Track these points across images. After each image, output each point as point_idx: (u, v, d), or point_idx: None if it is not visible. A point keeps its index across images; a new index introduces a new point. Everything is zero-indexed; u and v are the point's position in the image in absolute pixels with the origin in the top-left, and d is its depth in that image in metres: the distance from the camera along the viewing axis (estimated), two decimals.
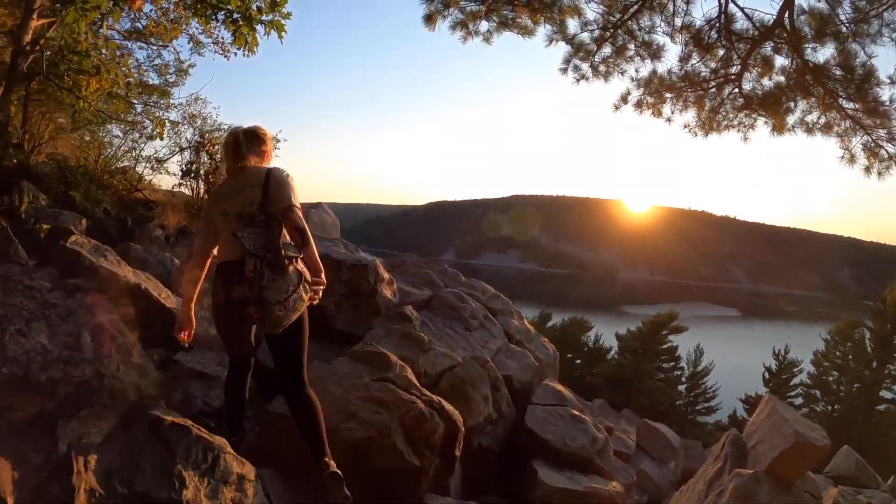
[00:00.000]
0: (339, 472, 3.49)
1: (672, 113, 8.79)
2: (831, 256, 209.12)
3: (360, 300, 7.15)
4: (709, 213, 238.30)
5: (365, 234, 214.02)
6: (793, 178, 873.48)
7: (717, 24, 7.71)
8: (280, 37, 7.31)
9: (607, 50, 8.58)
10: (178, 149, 10.59)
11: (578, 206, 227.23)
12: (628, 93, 8.89)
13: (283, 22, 7.29)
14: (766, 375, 31.79)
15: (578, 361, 34.41)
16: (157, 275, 6.68)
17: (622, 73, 8.74)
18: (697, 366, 33.51)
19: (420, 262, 9.65)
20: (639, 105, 8.85)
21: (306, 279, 3.43)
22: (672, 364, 33.37)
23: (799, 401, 30.63)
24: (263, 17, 7.26)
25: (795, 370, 31.36)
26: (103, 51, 8.73)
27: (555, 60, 8.81)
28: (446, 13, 8.22)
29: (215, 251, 3.76)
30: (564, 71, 8.79)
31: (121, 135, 11.77)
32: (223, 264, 3.59)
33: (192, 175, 9.22)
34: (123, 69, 8.88)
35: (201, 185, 9.69)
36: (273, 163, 3.93)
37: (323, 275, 3.55)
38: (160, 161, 11.28)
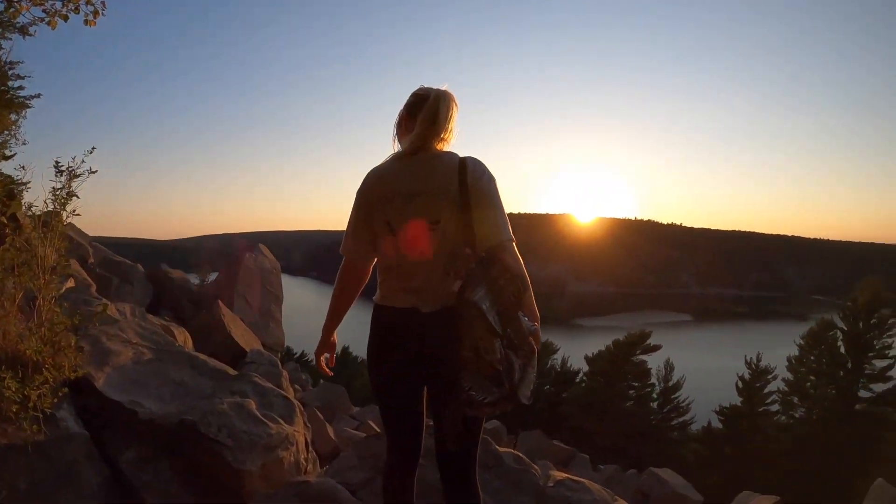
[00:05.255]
0: None
1: None
2: (776, 255, 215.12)
3: None
4: (655, 222, 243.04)
5: (317, 264, 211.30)
6: (732, 183, 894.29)
7: None
8: None
9: None
10: None
11: (527, 222, 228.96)
12: None
13: None
14: (740, 385, 30.98)
15: (547, 387, 33.36)
16: None
17: None
18: (669, 381, 32.69)
19: None
20: None
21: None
22: (642, 382, 32.51)
23: (775, 408, 30.28)
24: None
25: (769, 377, 30.55)
26: None
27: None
28: None
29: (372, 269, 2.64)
30: None
31: None
32: (392, 312, 2.46)
33: None
34: None
35: None
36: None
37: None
38: None
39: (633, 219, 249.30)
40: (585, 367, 33.94)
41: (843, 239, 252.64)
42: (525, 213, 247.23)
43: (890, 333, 28.40)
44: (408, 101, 2.52)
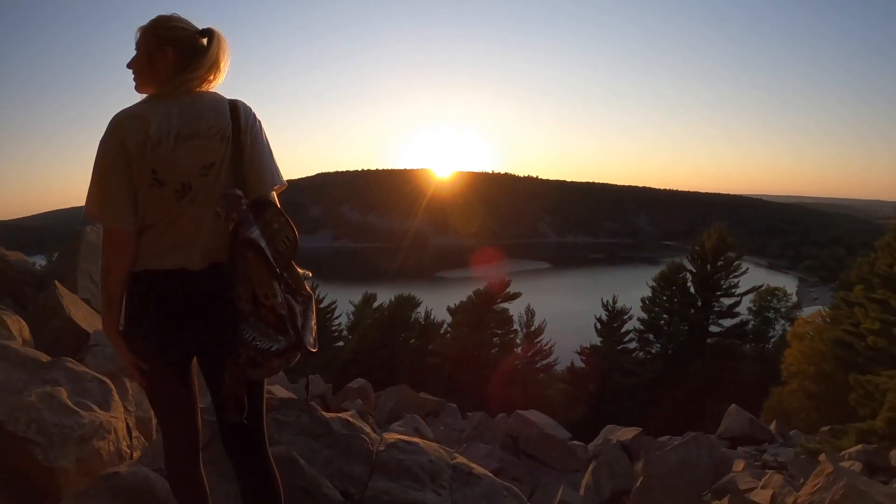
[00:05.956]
0: None
1: None
2: (629, 205, 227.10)
3: None
4: (512, 175, 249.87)
5: None
6: (586, 136, 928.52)
7: None
8: None
9: None
10: None
11: (386, 178, 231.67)
12: None
13: None
14: (598, 326, 32.54)
15: (413, 341, 33.34)
16: None
17: None
18: (531, 326, 33.46)
19: None
20: None
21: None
22: (505, 329, 33.41)
23: (633, 345, 32.66)
24: None
25: (626, 317, 32.61)
26: None
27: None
28: None
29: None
30: None
31: None
32: (156, 277, 2.07)
33: None
34: None
35: None
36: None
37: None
38: None
39: (491, 172, 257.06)
40: (449, 319, 34.43)
41: (690, 189, 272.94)
42: (385, 170, 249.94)
43: (735, 274, 31.09)
44: (161, 32, 2.10)
